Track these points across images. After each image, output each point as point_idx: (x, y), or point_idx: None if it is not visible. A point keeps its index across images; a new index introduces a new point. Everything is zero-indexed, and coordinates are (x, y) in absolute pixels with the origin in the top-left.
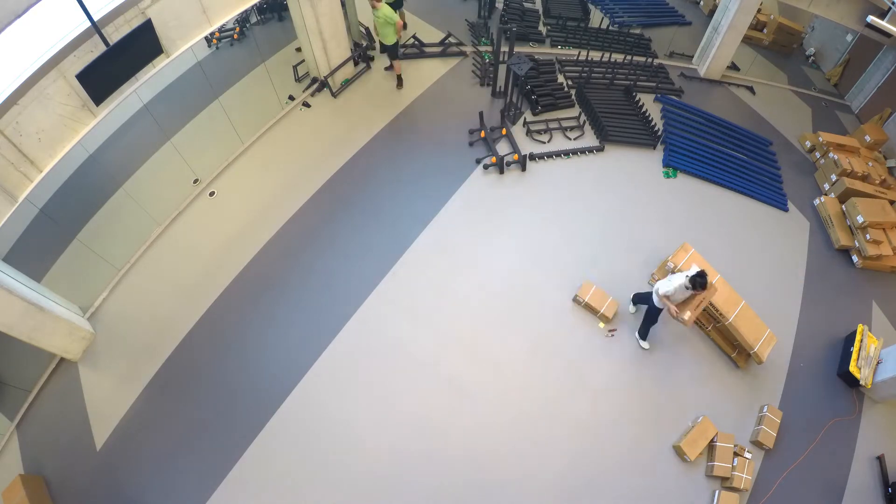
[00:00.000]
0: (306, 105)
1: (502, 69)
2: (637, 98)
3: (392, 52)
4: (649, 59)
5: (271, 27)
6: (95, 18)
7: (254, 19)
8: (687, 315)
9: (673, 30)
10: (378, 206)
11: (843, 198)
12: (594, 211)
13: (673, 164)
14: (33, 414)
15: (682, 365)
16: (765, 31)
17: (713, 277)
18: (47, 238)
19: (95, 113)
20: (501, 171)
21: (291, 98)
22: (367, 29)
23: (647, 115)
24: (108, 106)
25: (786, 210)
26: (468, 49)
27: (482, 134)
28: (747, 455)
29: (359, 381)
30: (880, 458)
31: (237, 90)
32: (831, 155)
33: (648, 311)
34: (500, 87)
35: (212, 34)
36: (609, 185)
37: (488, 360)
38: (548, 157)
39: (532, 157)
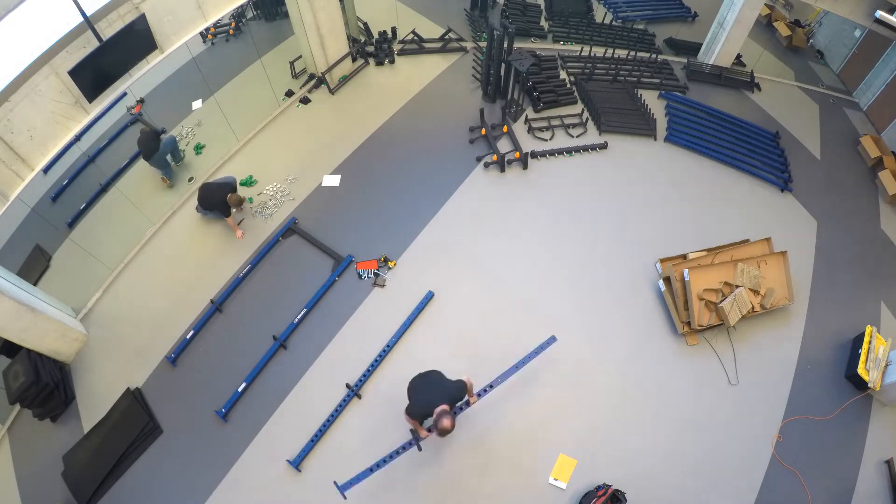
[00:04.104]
0: (304, 101)
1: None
2: (638, 94)
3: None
4: (653, 55)
5: (267, 24)
6: (88, 13)
7: (250, 14)
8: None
9: (677, 25)
10: (376, 205)
11: None
12: (597, 210)
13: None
14: (24, 416)
15: (680, 377)
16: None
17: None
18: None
19: (88, 110)
20: (502, 170)
21: (289, 94)
22: (365, 24)
23: (646, 107)
24: (101, 103)
25: (791, 191)
26: (468, 45)
27: (483, 131)
28: None
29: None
30: (889, 463)
31: (233, 86)
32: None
33: None
34: (492, 89)
35: (207, 29)
36: (612, 183)
37: (488, 360)
38: (550, 154)
39: (534, 154)
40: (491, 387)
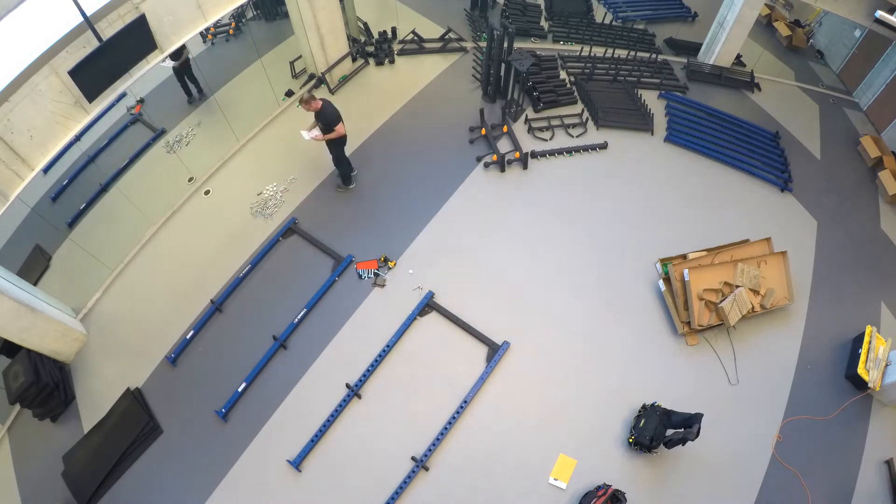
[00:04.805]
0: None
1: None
2: (638, 93)
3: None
4: (653, 55)
5: (267, 24)
6: (88, 13)
7: (250, 14)
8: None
9: (677, 25)
10: (376, 205)
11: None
12: (597, 210)
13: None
14: (24, 416)
15: (680, 377)
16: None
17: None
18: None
19: (88, 110)
20: (502, 170)
21: (289, 94)
22: (365, 24)
23: (646, 107)
24: (101, 103)
25: (791, 191)
26: (468, 45)
27: (483, 131)
28: None
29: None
30: (889, 463)
31: (233, 86)
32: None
33: None
34: (492, 89)
35: (207, 29)
36: (612, 183)
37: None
38: (550, 154)
39: (534, 154)
40: (465, 403)
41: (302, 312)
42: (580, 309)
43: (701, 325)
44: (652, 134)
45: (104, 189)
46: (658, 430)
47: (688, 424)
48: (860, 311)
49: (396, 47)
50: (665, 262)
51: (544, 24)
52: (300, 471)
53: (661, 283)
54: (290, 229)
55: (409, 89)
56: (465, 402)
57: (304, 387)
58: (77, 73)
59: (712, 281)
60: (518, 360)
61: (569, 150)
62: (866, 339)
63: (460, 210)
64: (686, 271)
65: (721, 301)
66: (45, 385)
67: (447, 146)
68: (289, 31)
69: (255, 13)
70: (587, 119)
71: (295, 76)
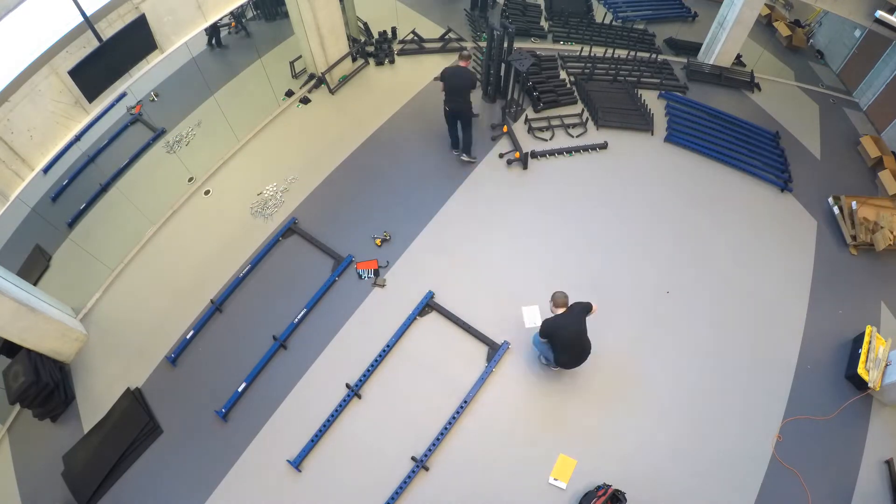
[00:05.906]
0: (304, 101)
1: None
2: (638, 93)
3: None
4: (653, 55)
5: (267, 23)
6: (88, 13)
7: (250, 14)
8: None
9: (677, 25)
10: (375, 206)
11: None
12: (596, 210)
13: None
14: (24, 416)
15: (680, 377)
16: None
17: None
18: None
19: (88, 110)
20: (509, 165)
21: (289, 94)
22: (365, 24)
23: (646, 107)
24: (101, 103)
25: (791, 191)
26: (469, 45)
27: (504, 129)
28: None
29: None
30: (889, 463)
31: (233, 86)
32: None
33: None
34: (492, 89)
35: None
36: (612, 183)
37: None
38: (550, 154)
39: (534, 154)
40: (465, 403)
41: (302, 312)
42: None
43: (860, 239)
44: (652, 134)
45: (104, 189)
46: None
47: None
48: (860, 311)
49: (396, 47)
50: (836, 197)
51: (544, 24)
52: (300, 471)
53: (835, 208)
54: (290, 229)
55: (410, 89)
56: (465, 402)
57: (304, 387)
58: (77, 73)
59: (869, 215)
60: (518, 359)
61: (569, 150)
62: (866, 339)
63: (460, 210)
64: (854, 203)
65: (874, 232)
66: (45, 385)
67: (446, 146)
68: (289, 31)
69: (255, 13)
70: (587, 119)
71: (295, 76)
